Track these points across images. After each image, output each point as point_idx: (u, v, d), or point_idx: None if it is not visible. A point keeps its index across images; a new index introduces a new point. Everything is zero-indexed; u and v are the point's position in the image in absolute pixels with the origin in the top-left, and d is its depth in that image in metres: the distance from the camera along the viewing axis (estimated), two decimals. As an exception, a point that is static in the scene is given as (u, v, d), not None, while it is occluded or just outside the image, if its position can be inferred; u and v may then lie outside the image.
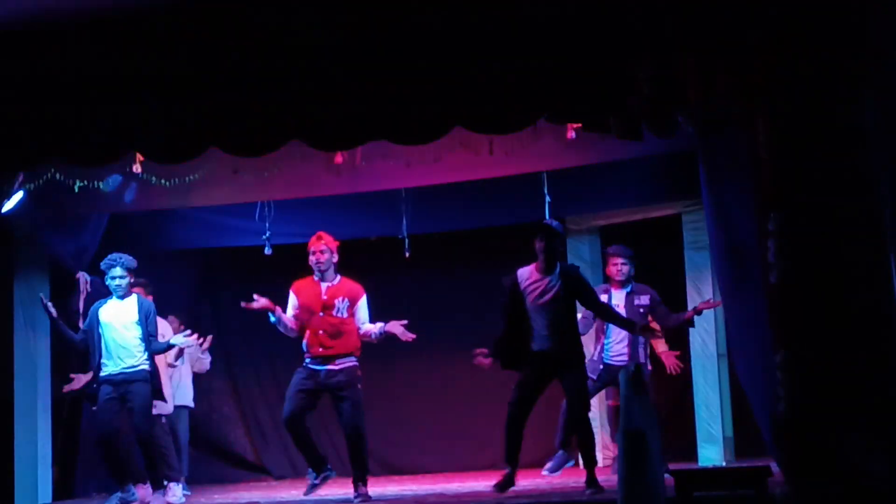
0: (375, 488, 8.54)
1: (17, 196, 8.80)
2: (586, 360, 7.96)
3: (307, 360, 8.07)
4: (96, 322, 8.18)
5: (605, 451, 9.77)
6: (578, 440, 7.86)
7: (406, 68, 6.90)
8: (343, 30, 6.91)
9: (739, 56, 6.44)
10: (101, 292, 8.61)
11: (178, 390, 9.72)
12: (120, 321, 8.14)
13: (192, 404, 10.08)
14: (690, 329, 9.83)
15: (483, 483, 8.98)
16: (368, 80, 6.96)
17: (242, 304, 8.10)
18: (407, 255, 9.73)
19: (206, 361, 10.12)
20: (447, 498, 8.21)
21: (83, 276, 9.33)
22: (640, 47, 6.61)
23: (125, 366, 8.09)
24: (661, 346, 8.86)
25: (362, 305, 8.19)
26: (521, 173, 8.86)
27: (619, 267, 8.58)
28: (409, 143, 7.54)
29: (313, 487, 8.15)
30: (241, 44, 7.02)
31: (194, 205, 9.51)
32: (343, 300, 8.09)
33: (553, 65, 6.78)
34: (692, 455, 9.69)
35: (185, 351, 9.98)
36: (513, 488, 7.72)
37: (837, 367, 6.11)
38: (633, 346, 8.54)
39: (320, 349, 8.01)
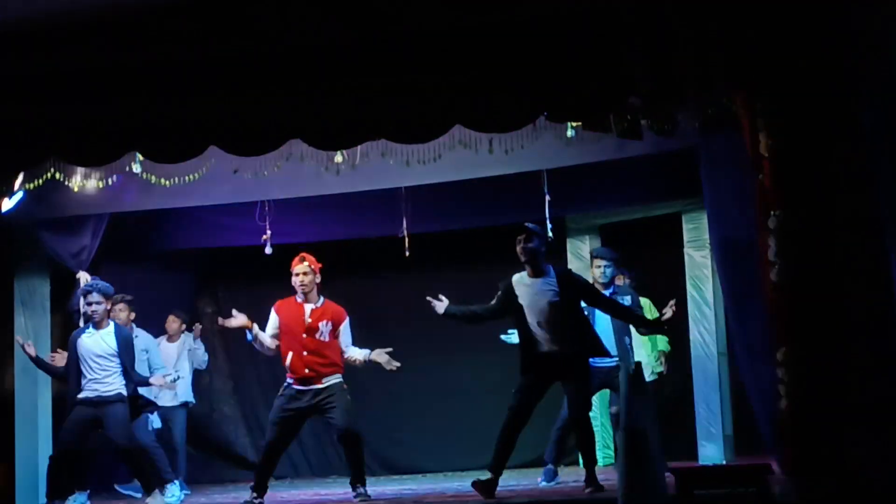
0: (375, 488, 8.54)
1: (17, 196, 8.80)
2: None
3: (290, 381, 7.95)
4: (74, 353, 8.15)
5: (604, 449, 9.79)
6: (579, 440, 7.85)
7: (405, 67, 6.90)
8: (342, 28, 6.91)
9: (739, 54, 6.44)
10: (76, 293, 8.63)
11: (178, 387, 9.74)
12: (97, 353, 8.11)
13: (192, 399, 10.09)
14: (691, 327, 9.84)
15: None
16: (368, 78, 6.95)
17: (220, 320, 8.09)
18: (407, 254, 9.73)
19: (199, 352, 10.13)
20: (447, 497, 8.21)
21: (83, 276, 9.33)
22: (640, 46, 6.60)
23: (102, 392, 8.09)
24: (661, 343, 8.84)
25: (345, 329, 8.08)
26: (520, 172, 8.86)
27: (601, 269, 8.52)
28: (408, 142, 7.54)
29: None
30: (241, 43, 7.02)
31: (194, 204, 9.50)
32: (327, 323, 7.98)
33: (553, 63, 6.77)
34: (692, 453, 9.69)
35: (184, 346, 10.00)
36: (513, 487, 7.71)
37: (837, 364, 6.12)
38: (619, 343, 8.45)
39: (306, 371, 7.88)
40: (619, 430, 6.34)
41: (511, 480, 8.50)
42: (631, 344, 8.52)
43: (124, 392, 8.10)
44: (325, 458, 11.33)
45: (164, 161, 7.83)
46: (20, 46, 7.14)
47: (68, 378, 8.18)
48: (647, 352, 9.50)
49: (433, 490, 8.91)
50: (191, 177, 8.78)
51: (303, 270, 7.99)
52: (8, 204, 8.80)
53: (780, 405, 6.27)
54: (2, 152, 7.47)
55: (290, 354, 7.89)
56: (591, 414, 8.15)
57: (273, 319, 8.06)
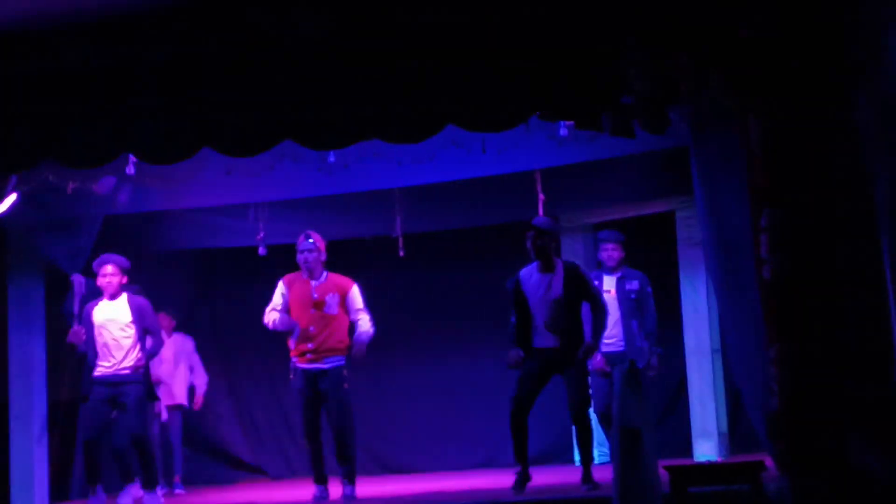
0: (371, 487, 8.56)
1: (11, 198, 8.78)
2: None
3: (294, 360, 8.09)
4: (89, 323, 8.19)
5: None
6: (577, 436, 7.88)
7: (398, 67, 6.90)
8: (334, 29, 6.90)
9: (732, 52, 6.45)
10: (96, 294, 8.62)
11: (173, 388, 9.75)
12: (113, 322, 8.15)
13: (185, 403, 10.11)
14: (685, 325, 9.86)
15: (478, 481, 9.02)
16: (360, 78, 6.95)
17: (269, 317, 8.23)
18: (401, 254, 9.74)
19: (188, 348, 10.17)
20: (442, 496, 8.22)
21: (77, 279, 9.32)
22: (632, 44, 6.61)
23: (119, 367, 8.10)
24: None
25: (354, 294, 8.26)
26: (513, 171, 8.87)
27: (609, 252, 8.61)
28: (401, 142, 7.54)
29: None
30: (233, 44, 7.01)
31: (188, 206, 9.51)
32: (333, 296, 8.19)
33: (545, 62, 6.78)
34: (687, 451, 9.71)
35: (177, 346, 10.01)
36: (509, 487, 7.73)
37: (831, 362, 6.12)
38: (626, 327, 8.50)
39: (309, 344, 8.05)
40: (612, 428, 6.35)
41: (509, 479, 8.50)
42: (639, 328, 8.54)
43: (142, 368, 8.12)
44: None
45: (158, 163, 7.82)
46: (10, 47, 7.13)
47: (88, 351, 8.21)
48: None
49: (428, 489, 8.91)
50: (184, 178, 8.77)
51: (308, 248, 8.19)
52: (1, 206, 8.79)
53: (773, 402, 6.28)
54: (-6, 155, 7.46)
55: (297, 329, 8.10)
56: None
57: (282, 290, 8.26)
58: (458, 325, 10.77)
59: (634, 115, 6.98)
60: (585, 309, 7.91)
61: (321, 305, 8.14)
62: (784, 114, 6.38)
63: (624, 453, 5.95)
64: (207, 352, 11.46)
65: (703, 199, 7.59)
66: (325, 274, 8.28)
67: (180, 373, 10.07)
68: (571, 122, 7.73)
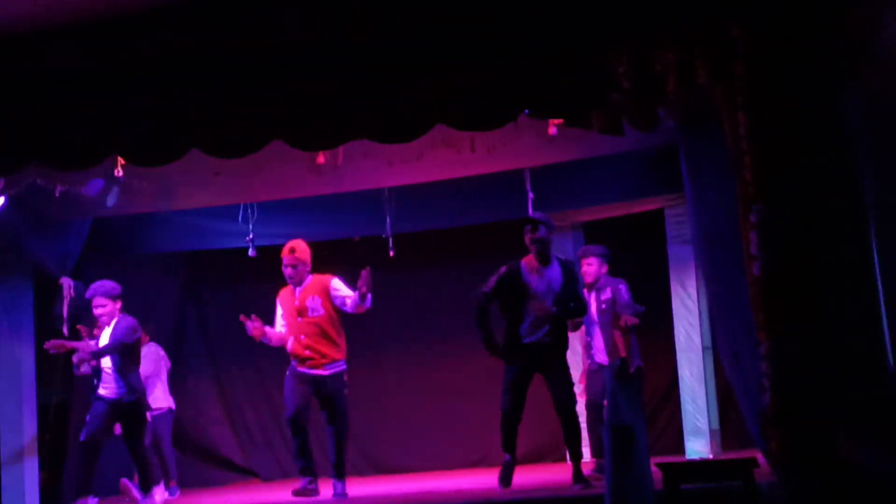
0: (363, 487, 8.55)
1: (-1, 201, 8.77)
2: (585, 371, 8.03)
3: (294, 364, 8.13)
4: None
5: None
6: (565, 434, 7.88)
7: (386, 67, 6.88)
8: (323, 29, 6.88)
9: (720, 49, 6.45)
10: (84, 299, 8.65)
11: (158, 393, 9.73)
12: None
13: (173, 405, 10.07)
14: (675, 322, 9.87)
15: (470, 480, 9.01)
16: (348, 79, 6.94)
17: (241, 317, 8.24)
18: (391, 253, 9.73)
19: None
20: (434, 496, 8.22)
21: (66, 282, 9.30)
22: (620, 41, 6.60)
23: (114, 390, 8.21)
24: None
25: (335, 286, 8.26)
26: (503, 170, 8.86)
27: (589, 268, 8.55)
28: (390, 142, 7.52)
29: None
30: (221, 45, 6.99)
31: (177, 208, 9.49)
32: (314, 298, 8.22)
33: (533, 60, 6.76)
34: (679, 448, 9.72)
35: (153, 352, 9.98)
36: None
37: (821, 358, 6.13)
38: (607, 338, 8.47)
39: (307, 352, 8.08)
40: (604, 425, 6.36)
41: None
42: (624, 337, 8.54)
43: (125, 399, 8.19)
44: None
45: (146, 165, 7.79)
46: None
47: (94, 379, 8.43)
48: None
49: (421, 488, 8.91)
50: (173, 180, 8.77)
51: (291, 263, 8.22)
52: (-11, 210, 8.77)
53: (764, 398, 6.28)
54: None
55: (291, 339, 8.19)
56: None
57: (278, 309, 8.38)
58: (449, 325, 10.76)
59: (623, 113, 6.97)
60: None
61: (304, 312, 8.20)
62: (772, 110, 6.38)
63: (616, 451, 5.94)
64: (197, 354, 11.45)
65: (692, 196, 7.58)
66: (308, 279, 8.31)
67: (162, 380, 10.04)
68: (560, 121, 7.74)
